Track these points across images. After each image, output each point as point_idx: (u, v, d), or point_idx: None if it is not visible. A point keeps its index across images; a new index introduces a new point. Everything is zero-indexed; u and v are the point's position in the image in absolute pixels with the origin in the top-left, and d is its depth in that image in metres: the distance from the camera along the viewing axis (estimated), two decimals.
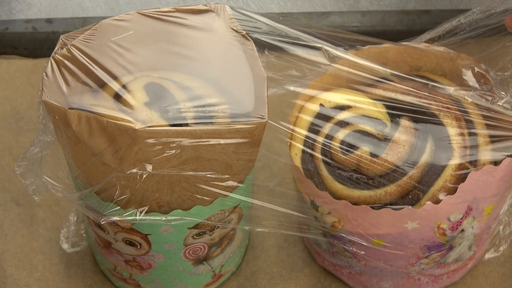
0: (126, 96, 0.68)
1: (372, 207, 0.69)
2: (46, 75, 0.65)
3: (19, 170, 0.69)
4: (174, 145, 0.63)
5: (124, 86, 0.69)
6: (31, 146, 0.68)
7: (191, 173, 0.65)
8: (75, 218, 0.78)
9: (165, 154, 0.63)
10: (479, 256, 0.77)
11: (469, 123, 0.72)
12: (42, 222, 0.82)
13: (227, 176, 0.66)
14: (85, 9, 0.97)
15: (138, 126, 0.61)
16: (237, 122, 0.66)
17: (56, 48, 0.67)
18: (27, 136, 0.87)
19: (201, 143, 0.63)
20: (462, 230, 0.70)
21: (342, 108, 0.74)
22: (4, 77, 0.91)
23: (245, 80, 0.71)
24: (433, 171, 0.70)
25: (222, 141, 0.63)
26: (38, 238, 0.81)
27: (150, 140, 0.62)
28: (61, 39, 0.67)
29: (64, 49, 0.66)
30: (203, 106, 0.72)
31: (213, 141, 0.63)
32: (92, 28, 0.68)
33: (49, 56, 0.67)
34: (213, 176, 0.65)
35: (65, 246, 0.78)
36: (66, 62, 0.66)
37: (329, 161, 0.72)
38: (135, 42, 0.69)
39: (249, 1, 0.98)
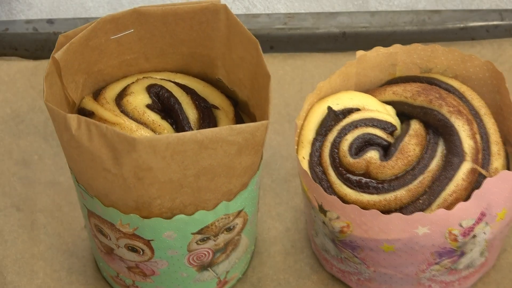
0: (128, 98, 0.68)
1: (382, 212, 0.68)
2: (47, 77, 0.65)
3: None
4: (175, 151, 0.62)
5: (125, 88, 0.70)
6: None
7: (193, 178, 0.64)
8: None
9: (166, 160, 0.62)
10: (491, 262, 0.77)
11: (481, 126, 0.72)
12: (43, 227, 0.81)
13: (230, 179, 0.66)
14: (87, 9, 0.97)
15: (137, 135, 0.61)
16: (239, 124, 0.65)
17: (55, 48, 0.66)
18: (27, 139, 0.86)
19: (203, 148, 0.62)
20: (474, 236, 0.69)
21: (350, 110, 0.73)
22: (4, 79, 0.91)
23: (249, 80, 0.71)
24: (445, 175, 0.69)
25: (224, 144, 0.62)
26: (39, 244, 0.80)
27: (150, 148, 0.61)
28: (60, 39, 0.66)
29: (63, 49, 0.66)
30: (206, 108, 0.72)
31: (214, 145, 0.62)
32: (92, 26, 0.67)
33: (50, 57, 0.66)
34: (215, 179, 0.65)
35: None
36: (66, 62, 0.65)
37: (338, 165, 0.71)
38: (136, 41, 0.69)
39: (255, 1, 0.98)
